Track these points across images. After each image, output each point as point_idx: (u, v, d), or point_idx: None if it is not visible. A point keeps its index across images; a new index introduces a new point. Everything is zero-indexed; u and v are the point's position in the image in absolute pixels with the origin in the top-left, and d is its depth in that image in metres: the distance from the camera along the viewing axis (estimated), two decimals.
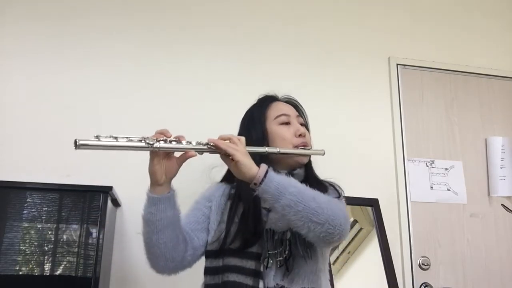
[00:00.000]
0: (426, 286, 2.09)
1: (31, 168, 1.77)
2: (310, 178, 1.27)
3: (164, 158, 1.08)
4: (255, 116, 1.31)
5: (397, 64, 2.35)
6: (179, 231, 1.15)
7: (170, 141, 1.04)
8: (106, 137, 0.96)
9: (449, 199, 2.25)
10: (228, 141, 1.08)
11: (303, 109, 1.40)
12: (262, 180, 1.03)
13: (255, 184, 1.04)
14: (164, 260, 1.14)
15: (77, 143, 0.93)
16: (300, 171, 1.27)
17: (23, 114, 1.85)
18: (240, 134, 1.33)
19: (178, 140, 1.05)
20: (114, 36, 2.02)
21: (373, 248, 1.98)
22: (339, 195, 1.23)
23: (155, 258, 1.14)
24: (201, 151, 1.07)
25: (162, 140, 1.03)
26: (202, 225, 1.24)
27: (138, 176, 1.85)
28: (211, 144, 1.06)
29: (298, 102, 1.41)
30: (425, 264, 2.12)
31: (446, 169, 2.28)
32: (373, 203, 2.05)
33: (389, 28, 2.41)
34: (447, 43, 2.47)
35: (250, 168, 1.04)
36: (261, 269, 1.13)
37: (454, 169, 2.29)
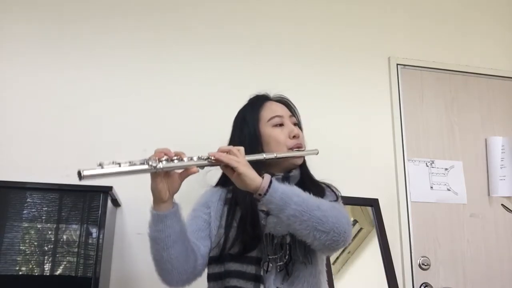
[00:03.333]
0: (426, 286, 2.09)
1: (31, 168, 1.77)
2: (306, 179, 1.27)
3: (166, 176, 1.07)
4: (247, 118, 1.29)
5: (397, 64, 2.35)
6: (187, 242, 1.14)
7: (172, 160, 1.03)
8: (109, 163, 0.96)
9: (449, 199, 2.24)
10: (227, 153, 1.07)
11: (295, 108, 1.38)
12: (267, 190, 1.03)
13: (259, 195, 1.04)
14: (177, 273, 1.13)
15: (82, 175, 0.92)
16: (295, 173, 1.26)
17: (23, 114, 1.86)
18: (232, 135, 1.32)
19: (180, 157, 1.04)
20: (114, 37, 2.02)
21: (373, 248, 1.98)
22: (336, 198, 1.23)
23: (168, 273, 1.13)
24: (202, 166, 1.07)
25: (164, 160, 1.02)
26: (205, 232, 1.23)
27: (138, 176, 1.88)
28: (212, 158, 1.06)
29: (290, 101, 1.39)
30: (425, 264, 2.12)
31: (446, 169, 2.28)
32: (373, 203, 2.05)
33: (389, 28, 2.41)
34: (447, 43, 2.47)
35: (253, 179, 1.04)
36: (261, 273, 1.13)
37: (454, 169, 2.29)
